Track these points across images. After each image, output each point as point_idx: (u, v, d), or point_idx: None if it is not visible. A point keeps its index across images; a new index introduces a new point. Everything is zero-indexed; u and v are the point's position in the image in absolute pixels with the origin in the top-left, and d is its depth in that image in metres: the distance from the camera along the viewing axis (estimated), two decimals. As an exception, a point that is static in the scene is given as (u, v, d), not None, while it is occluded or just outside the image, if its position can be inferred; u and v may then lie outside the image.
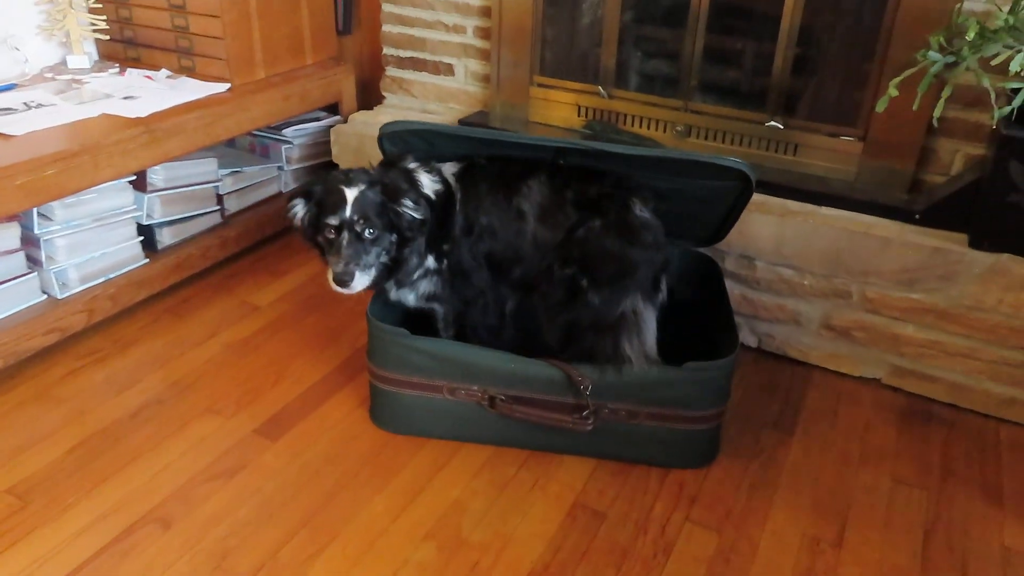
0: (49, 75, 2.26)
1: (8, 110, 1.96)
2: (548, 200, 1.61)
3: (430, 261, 1.62)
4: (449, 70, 2.47)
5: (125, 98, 2.09)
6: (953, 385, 1.79)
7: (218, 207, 2.29)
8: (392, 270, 1.56)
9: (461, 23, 2.37)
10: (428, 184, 1.56)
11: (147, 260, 2.07)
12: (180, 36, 2.27)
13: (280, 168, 2.50)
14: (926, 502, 1.54)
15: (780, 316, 1.93)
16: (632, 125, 2.20)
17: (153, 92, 2.15)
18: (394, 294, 1.66)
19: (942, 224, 1.76)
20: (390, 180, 1.52)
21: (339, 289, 1.48)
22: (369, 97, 2.72)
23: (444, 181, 1.60)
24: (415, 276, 1.63)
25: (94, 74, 2.28)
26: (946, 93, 1.55)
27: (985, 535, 1.47)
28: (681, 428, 1.55)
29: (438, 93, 2.53)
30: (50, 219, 1.87)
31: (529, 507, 1.50)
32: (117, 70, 2.32)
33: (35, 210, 1.83)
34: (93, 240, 1.95)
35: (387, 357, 1.60)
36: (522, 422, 1.57)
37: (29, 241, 1.86)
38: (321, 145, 2.54)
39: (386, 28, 2.51)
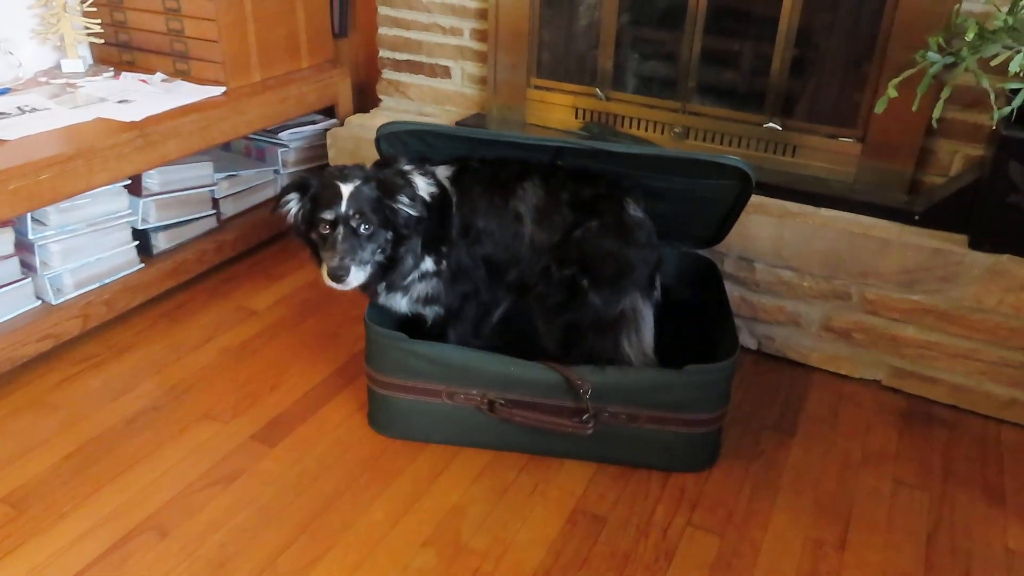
0: (43, 79, 2.25)
1: (2, 114, 1.95)
2: (544, 202, 1.61)
3: (428, 263, 1.61)
4: (445, 72, 2.46)
5: (120, 102, 2.08)
6: (954, 386, 1.79)
7: (214, 211, 2.27)
8: (387, 269, 1.54)
9: (457, 25, 2.37)
10: (423, 186, 1.55)
11: (142, 265, 2.06)
12: (175, 39, 2.26)
13: (276, 172, 2.49)
14: (928, 504, 1.53)
15: (780, 318, 1.93)
16: (630, 127, 2.20)
17: (148, 96, 2.13)
18: (383, 298, 1.64)
19: (942, 225, 1.75)
20: (386, 176, 1.51)
21: (334, 284, 1.46)
22: (365, 100, 2.71)
23: (439, 183, 1.59)
24: (410, 278, 1.61)
25: (88, 78, 2.26)
26: (945, 94, 1.55)
27: (988, 537, 1.46)
28: (682, 431, 1.54)
29: (434, 96, 2.52)
30: (44, 224, 1.86)
31: (529, 512, 1.48)
32: (112, 74, 2.31)
33: (29, 215, 1.82)
34: (88, 245, 1.93)
35: (385, 361, 1.59)
36: (521, 426, 1.56)
37: (23, 247, 1.84)
38: (317, 148, 2.53)
39: (382, 31, 2.50)
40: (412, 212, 1.49)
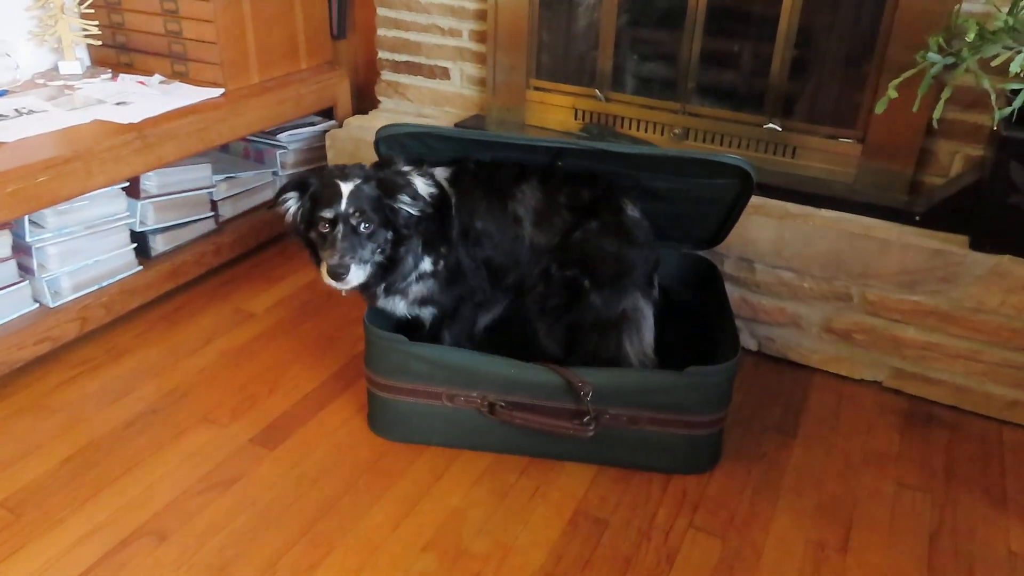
0: (41, 81, 2.24)
1: (-1, 116, 1.94)
2: (542, 204, 1.62)
3: (426, 264, 1.60)
4: (445, 74, 2.46)
5: (118, 104, 2.07)
6: (955, 387, 1.78)
7: (212, 213, 2.27)
8: (387, 270, 1.52)
9: (456, 27, 2.36)
10: (422, 187, 1.54)
11: (141, 267, 2.05)
12: (173, 41, 2.26)
13: (275, 173, 2.48)
14: (930, 506, 1.52)
15: (780, 319, 1.92)
16: (629, 128, 2.19)
17: (146, 97, 2.13)
18: (382, 300, 1.62)
19: (942, 226, 1.75)
20: (387, 175, 1.50)
21: (333, 283, 1.45)
22: (364, 101, 2.71)
23: (437, 184, 1.59)
24: (409, 279, 1.60)
25: (86, 80, 2.26)
26: (946, 94, 1.55)
27: (991, 539, 1.45)
28: (683, 433, 1.54)
29: (434, 97, 2.51)
30: (42, 227, 1.85)
31: (530, 515, 1.48)
32: (109, 75, 2.30)
33: (26, 218, 1.81)
34: (86, 248, 1.92)
35: (385, 364, 1.58)
36: (522, 429, 1.56)
37: (20, 249, 1.83)
38: (316, 150, 2.52)
39: (381, 32, 2.49)
40: (413, 211, 1.49)
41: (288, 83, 2.36)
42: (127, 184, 1.99)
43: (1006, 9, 1.50)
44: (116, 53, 2.38)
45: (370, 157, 1.67)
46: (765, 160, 2.03)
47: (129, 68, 2.36)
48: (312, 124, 2.54)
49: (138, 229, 2.07)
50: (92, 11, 2.29)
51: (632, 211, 1.63)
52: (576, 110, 2.25)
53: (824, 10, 1.92)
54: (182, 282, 2.15)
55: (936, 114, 1.57)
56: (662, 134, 2.16)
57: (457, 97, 2.47)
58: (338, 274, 1.43)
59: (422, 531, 1.43)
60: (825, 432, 1.72)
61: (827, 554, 1.41)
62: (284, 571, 1.35)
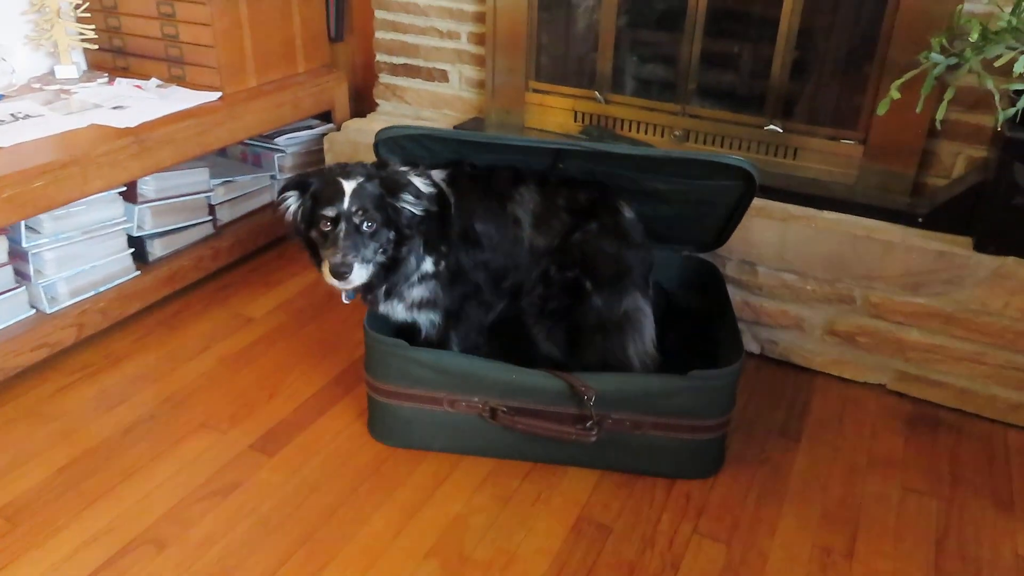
0: (37, 85, 2.22)
1: (-6, 121, 1.93)
2: (541, 207, 1.62)
3: (428, 264, 1.57)
4: (443, 76, 2.45)
5: (114, 108, 2.06)
6: (959, 390, 1.77)
7: (210, 217, 2.25)
8: (389, 270, 1.50)
9: (455, 29, 2.35)
10: (422, 187, 1.53)
11: (138, 272, 2.03)
12: (170, 45, 2.24)
13: (273, 177, 2.46)
14: (936, 510, 1.51)
15: (783, 322, 1.91)
16: (630, 130, 2.18)
17: (143, 101, 2.11)
18: (383, 305, 1.60)
19: (945, 227, 1.74)
20: (389, 174, 1.48)
21: (335, 283, 1.42)
22: (362, 105, 2.69)
23: (435, 185, 1.57)
24: (411, 280, 1.58)
25: (82, 84, 2.24)
26: (949, 95, 1.54)
27: (997, 544, 1.44)
28: (686, 438, 1.52)
29: (432, 100, 2.50)
30: (38, 232, 1.83)
31: (533, 521, 1.46)
32: (106, 80, 2.28)
33: (23, 223, 1.79)
34: (83, 253, 1.91)
35: (386, 369, 1.56)
36: (524, 434, 1.54)
37: (17, 255, 1.82)
38: (314, 153, 2.51)
39: (379, 35, 2.48)
40: (416, 211, 1.47)
41: (286, 86, 2.35)
42: (124, 189, 1.98)
43: (1009, 9, 1.49)
44: (113, 57, 2.36)
45: (368, 160, 1.65)
46: (766, 162, 2.02)
47: (126, 72, 2.34)
48: (310, 127, 2.53)
49: (135, 234, 2.05)
50: (88, 15, 2.28)
51: (628, 212, 1.65)
52: (576, 112, 2.24)
53: (825, 11, 1.91)
54: (180, 287, 2.14)
55: (939, 115, 1.56)
56: (662, 136, 2.15)
57: (456, 100, 2.46)
58: (341, 273, 1.40)
59: (424, 538, 1.42)
60: (829, 436, 1.70)
61: (833, 559, 1.40)
62: (284, 580, 1.33)
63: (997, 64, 1.47)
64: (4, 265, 1.78)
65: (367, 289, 1.52)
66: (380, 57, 2.52)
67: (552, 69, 2.27)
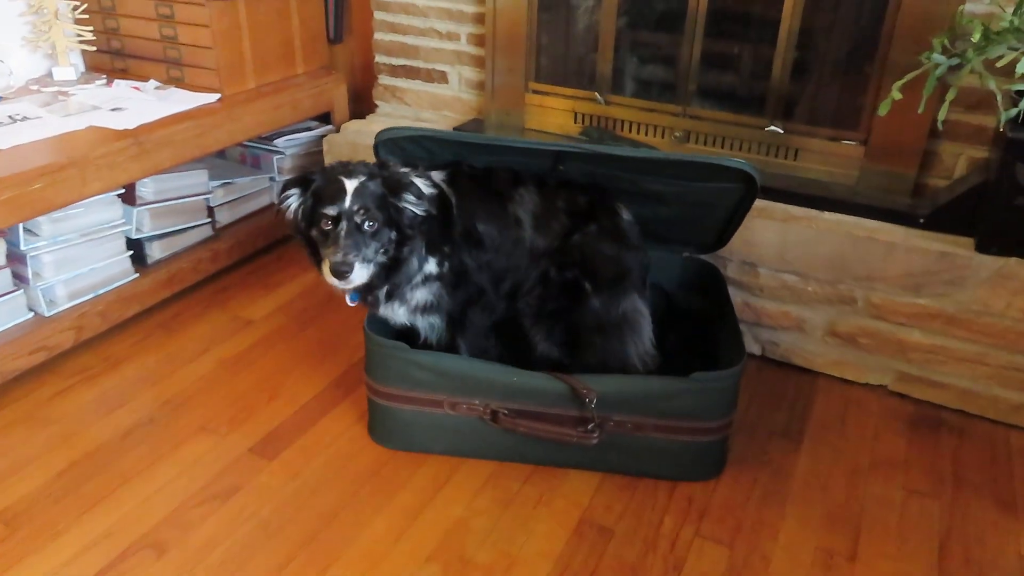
0: (35, 87, 2.21)
1: (-8, 123, 1.92)
2: (541, 208, 1.62)
3: (431, 265, 1.56)
4: (443, 77, 2.44)
5: (113, 110, 2.05)
6: (961, 391, 1.76)
7: (209, 219, 2.24)
8: (390, 271, 1.48)
9: (454, 30, 2.34)
10: (424, 187, 1.52)
11: (137, 275, 2.03)
12: (169, 46, 2.23)
13: (272, 179, 2.46)
14: (939, 512, 1.51)
15: (784, 323, 1.90)
16: (630, 131, 2.18)
17: (141, 103, 2.10)
18: (383, 308, 1.59)
19: (947, 228, 1.74)
20: (391, 174, 1.47)
21: (335, 282, 1.40)
22: (362, 106, 2.69)
23: (436, 186, 1.57)
24: (414, 281, 1.57)
25: (81, 86, 2.23)
26: (951, 96, 1.54)
27: (1001, 545, 1.44)
28: (688, 440, 1.52)
29: (432, 101, 2.49)
30: (36, 235, 1.82)
31: (535, 524, 1.46)
32: (104, 81, 2.27)
33: (21, 226, 1.78)
34: (81, 255, 1.90)
35: (386, 372, 1.56)
36: (525, 436, 1.53)
37: (15, 258, 1.81)
38: (313, 155, 2.50)
39: (378, 36, 2.48)
40: (418, 211, 1.46)
41: (285, 88, 2.34)
42: (123, 191, 1.97)
43: (1011, 9, 1.49)
44: (111, 59, 2.35)
45: (368, 161, 1.65)
46: (767, 163, 2.01)
47: (124, 74, 2.34)
48: (309, 129, 2.52)
49: (134, 236, 2.05)
50: (86, 16, 2.27)
51: (625, 215, 1.65)
52: (576, 113, 2.23)
53: (826, 11, 1.90)
54: (179, 289, 2.13)
55: (941, 115, 1.56)
56: (663, 137, 2.14)
57: (455, 101, 2.45)
58: (341, 272, 1.38)
59: (425, 542, 1.41)
60: (831, 437, 1.70)
61: (836, 562, 1.39)
62: (285, 584, 1.33)
63: (999, 65, 1.47)
64: (2, 268, 1.77)
65: (368, 289, 1.50)
66: (379, 58, 2.51)
67: (552, 70, 2.26)
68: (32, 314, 1.84)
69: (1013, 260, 1.62)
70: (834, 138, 1.94)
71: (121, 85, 2.24)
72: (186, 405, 1.75)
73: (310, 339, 2.00)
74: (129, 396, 1.78)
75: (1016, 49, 1.46)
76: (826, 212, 1.85)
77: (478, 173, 1.62)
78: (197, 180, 2.18)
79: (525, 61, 2.23)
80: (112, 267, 1.97)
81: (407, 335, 1.67)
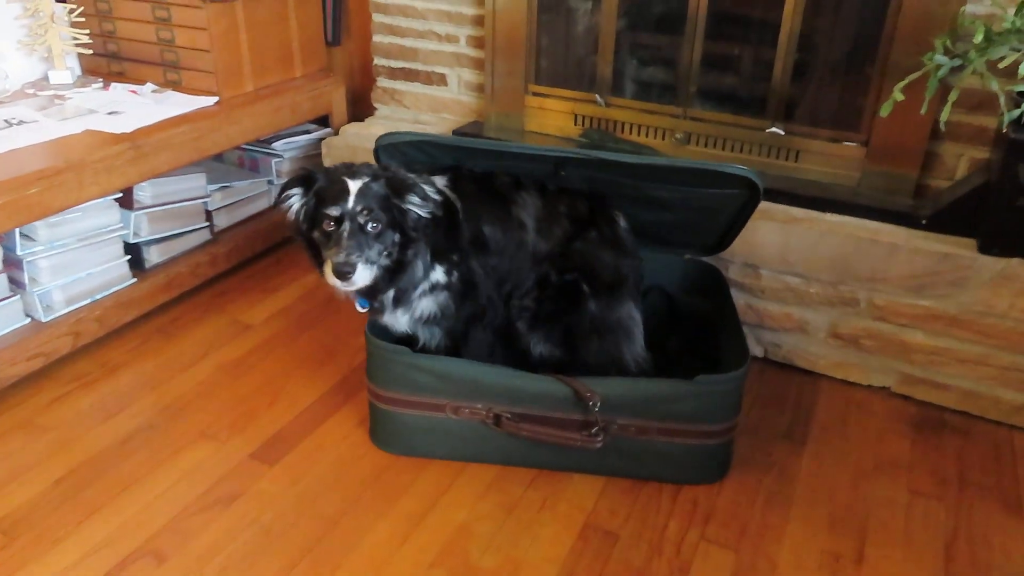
0: (31, 91, 2.20)
1: (-12, 127, 1.90)
2: (543, 212, 1.61)
3: (439, 273, 1.55)
4: (442, 80, 2.43)
5: (110, 113, 2.03)
6: (964, 392, 1.76)
7: (207, 223, 2.23)
8: (394, 274, 1.47)
9: (454, 32, 2.33)
10: (429, 192, 1.51)
11: (135, 280, 2.01)
12: (166, 49, 2.22)
13: (270, 182, 2.44)
14: (944, 514, 1.50)
15: (786, 325, 1.90)
16: (630, 133, 2.17)
17: (138, 107, 2.09)
18: (387, 315, 1.56)
19: (949, 229, 1.73)
20: (396, 175, 1.46)
21: (338, 283, 1.39)
22: (360, 109, 2.68)
23: (440, 192, 1.55)
24: (421, 288, 1.55)
25: (77, 89, 2.22)
26: (953, 97, 1.53)
27: (1007, 547, 1.43)
28: (693, 443, 1.51)
29: (431, 103, 2.48)
30: (33, 239, 1.81)
31: (539, 529, 1.44)
32: (101, 85, 2.26)
33: (17, 230, 1.77)
34: (78, 260, 1.88)
35: (388, 376, 1.54)
36: (528, 440, 1.52)
37: (11, 263, 1.79)
38: (312, 158, 2.49)
39: (377, 38, 2.47)
40: (422, 213, 1.44)
41: (283, 91, 2.33)
42: (120, 195, 1.95)
43: (1012, 10, 1.49)
44: (108, 62, 2.34)
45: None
46: (769, 164, 2.01)
47: (121, 77, 2.32)
48: (308, 132, 2.51)
49: (132, 241, 2.03)
50: (83, 19, 2.26)
51: (622, 222, 1.66)
52: (576, 115, 2.22)
53: (827, 13, 1.90)
54: (177, 294, 2.11)
55: (943, 116, 1.56)
56: (663, 139, 2.13)
57: (455, 103, 2.44)
58: (344, 273, 1.36)
59: (429, 547, 1.40)
60: (835, 439, 1.69)
61: (842, 565, 1.38)
62: (288, 592, 1.31)
63: (1001, 65, 1.47)
64: (-1, 273, 1.76)
65: (372, 293, 1.49)
66: (378, 61, 2.50)
67: (552, 72, 2.26)
68: (29, 320, 1.82)
69: (1015, 261, 1.62)
70: (835, 139, 1.94)
71: (118, 88, 2.23)
72: (185, 411, 1.74)
73: (310, 343, 1.99)
74: (128, 402, 1.76)
75: (1018, 50, 1.46)
76: (828, 213, 1.84)
77: (479, 176, 1.62)
78: (195, 184, 2.16)
79: (525, 63, 2.22)
80: (110, 272, 1.96)
81: (407, 339, 1.65)
